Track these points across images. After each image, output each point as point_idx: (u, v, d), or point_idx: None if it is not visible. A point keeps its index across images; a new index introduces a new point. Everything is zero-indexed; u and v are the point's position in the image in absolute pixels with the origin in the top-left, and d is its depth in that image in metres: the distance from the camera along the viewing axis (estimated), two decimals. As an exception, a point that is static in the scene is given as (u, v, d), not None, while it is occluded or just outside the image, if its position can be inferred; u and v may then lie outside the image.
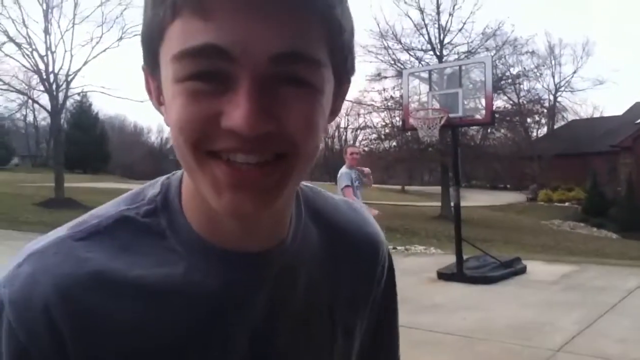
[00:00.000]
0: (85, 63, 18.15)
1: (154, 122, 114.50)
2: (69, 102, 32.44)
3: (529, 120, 35.70)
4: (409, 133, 22.40)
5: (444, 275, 7.56)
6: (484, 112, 7.69)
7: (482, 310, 6.09)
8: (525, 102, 29.15)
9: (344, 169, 6.76)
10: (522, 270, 8.05)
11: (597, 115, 46.40)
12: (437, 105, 7.67)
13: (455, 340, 5.00)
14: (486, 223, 19.23)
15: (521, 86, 27.57)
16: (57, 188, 17.74)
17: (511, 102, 27.67)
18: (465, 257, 7.83)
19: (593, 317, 5.59)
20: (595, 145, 31.35)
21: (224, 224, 0.60)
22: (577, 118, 44.19)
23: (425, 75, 8.19)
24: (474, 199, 28.58)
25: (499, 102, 23.83)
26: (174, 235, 0.61)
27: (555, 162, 32.80)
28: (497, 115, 22.26)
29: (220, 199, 0.53)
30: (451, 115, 7.38)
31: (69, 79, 18.16)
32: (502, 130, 25.99)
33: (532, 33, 44.49)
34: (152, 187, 0.66)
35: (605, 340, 4.90)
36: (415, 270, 8.29)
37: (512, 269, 7.85)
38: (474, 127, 24.48)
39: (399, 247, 10.86)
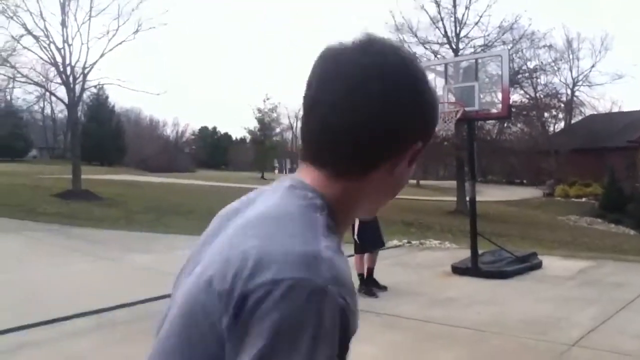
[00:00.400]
0: (102, 56, 18.24)
1: (169, 116, 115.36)
2: (85, 95, 32.78)
3: (546, 114, 35.34)
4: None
5: (458, 270, 7.52)
6: (500, 106, 7.61)
7: (496, 304, 6.06)
8: (542, 96, 28.83)
9: None
10: (538, 266, 7.99)
11: (615, 110, 45.75)
12: (452, 99, 7.61)
13: (469, 334, 4.98)
14: (502, 218, 19.12)
15: (538, 80, 27.21)
16: (75, 180, 17.91)
17: (528, 96, 27.34)
18: (480, 251, 7.79)
19: (609, 313, 5.54)
20: (613, 140, 30.97)
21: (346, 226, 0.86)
22: (595, 113, 43.62)
23: (441, 68, 8.12)
24: (489, 194, 28.39)
25: (516, 97, 23.56)
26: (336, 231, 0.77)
27: (572, 157, 32.48)
28: (513, 110, 22.09)
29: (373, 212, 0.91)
30: (467, 108, 7.33)
31: (85, 72, 18.29)
32: (519, 125, 25.72)
33: (549, 27, 43.74)
34: (315, 209, 0.76)
35: (621, 336, 4.85)
36: (430, 264, 8.27)
37: (527, 264, 7.79)
38: (490, 122, 24.30)
39: (413, 242, 10.83)
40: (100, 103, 49.19)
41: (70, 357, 4.27)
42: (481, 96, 7.72)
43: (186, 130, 76.19)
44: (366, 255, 6.42)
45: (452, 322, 5.29)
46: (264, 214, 0.76)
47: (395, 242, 10.68)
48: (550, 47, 26.19)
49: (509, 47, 22.24)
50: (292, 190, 0.79)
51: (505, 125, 25.71)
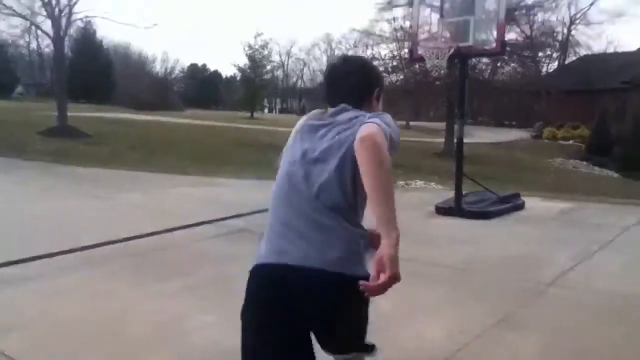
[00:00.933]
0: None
1: (158, 50, 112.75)
2: (72, 29, 31.85)
3: (540, 54, 34.94)
4: (417, 66, 22.04)
5: (441, 210, 7.61)
6: (494, 44, 7.48)
7: (478, 244, 6.17)
8: (538, 34, 28.38)
9: None
10: (521, 206, 8.09)
11: (610, 50, 45.22)
12: (447, 35, 7.46)
13: (450, 272, 5.10)
14: (489, 160, 19.18)
15: (535, 17, 26.71)
16: (60, 116, 17.67)
17: (524, 34, 26.90)
18: (464, 192, 7.86)
19: (588, 253, 5.66)
20: (607, 81, 30.67)
21: None
22: (589, 53, 43.09)
23: (437, 3, 7.90)
24: (479, 136, 28.37)
25: (512, 35, 23.13)
26: None
27: (565, 99, 32.30)
28: (508, 49, 21.80)
29: None
30: (461, 44, 7.19)
31: (71, 4, 17.75)
32: (512, 64, 25.43)
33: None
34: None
35: (597, 275, 4.97)
36: (414, 205, 8.35)
37: (510, 205, 7.89)
38: (484, 61, 24.01)
39: (399, 182, 10.88)
40: (87, 38, 47.91)
41: (55, 292, 4.32)
42: (476, 34, 7.55)
43: (176, 66, 74.83)
44: None
45: (434, 260, 5.39)
46: (356, 115, 1.81)
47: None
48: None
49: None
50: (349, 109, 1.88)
51: (499, 64, 25.42)
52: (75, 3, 17.68)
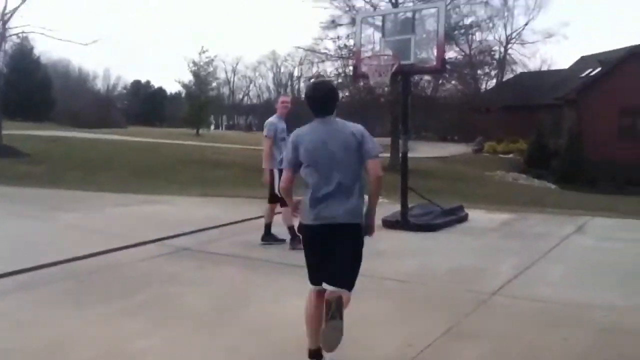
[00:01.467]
0: (24, 1, 17.11)
1: (99, 67, 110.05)
2: (7, 46, 30.61)
3: (479, 72, 36.12)
4: (361, 83, 22.36)
5: (387, 223, 7.67)
6: (435, 62, 7.67)
7: (423, 256, 6.25)
8: (476, 53, 29.37)
9: (271, 119, 6.61)
10: (465, 218, 8.28)
11: (545, 68, 47.22)
12: (389, 53, 7.60)
13: (395, 285, 5.13)
14: (433, 174, 19.59)
15: (473, 37, 27.69)
16: (-6, 134, 16.96)
17: (463, 53, 27.80)
18: (410, 205, 7.97)
19: (529, 263, 5.83)
20: (542, 98, 31.99)
21: None
22: (526, 71, 44.90)
23: (379, 22, 8.07)
24: (422, 151, 28.98)
25: (451, 54, 23.85)
26: None
27: (503, 115, 33.44)
28: (448, 67, 22.39)
29: None
30: (402, 62, 7.34)
31: (5, 19, 17.15)
32: (453, 82, 26.20)
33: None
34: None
35: (538, 284, 5.12)
36: (362, 219, 8.39)
37: (454, 217, 8.06)
38: (426, 78, 24.64)
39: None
40: (24, 54, 46.16)
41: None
42: (417, 52, 7.74)
43: (118, 83, 73.17)
44: (271, 206, 6.67)
45: (379, 274, 5.40)
46: (345, 122, 3.27)
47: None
48: (487, 3, 26.59)
49: (447, 2, 22.39)
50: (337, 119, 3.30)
51: (440, 82, 26.12)
52: (9, 18, 17.11)
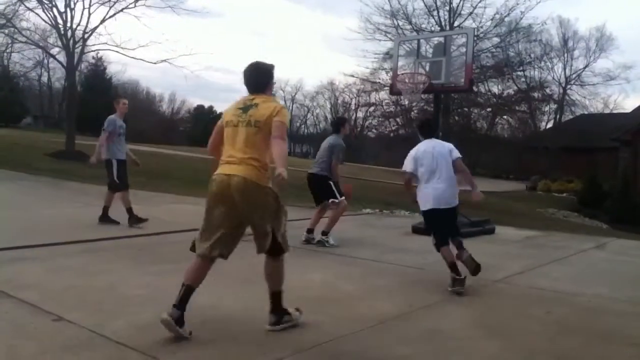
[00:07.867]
0: (103, 21, 18.76)
1: (166, 91, 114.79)
2: (83, 65, 33.02)
3: (537, 112, 36.07)
4: (412, 113, 23.01)
5: (417, 230, 8.18)
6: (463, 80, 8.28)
7: (443, 254, 6.73)
8: (533, 90, 29.49)
9: (112, 116, 7.88)
10: (491, 231, 8.69)
11: (607, 111, 46.38)
12: (422, 73, 8.27)
13: (410, 271, 5.68)
14: (481, 206, 19.67)
15: (526, 73, 27.86)
16: (68, 141, 18.49)
17: (516, 88, 27.99)
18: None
19: (540, 264, 6.25)
20: (601, 140, 31.59)
21: None
22: (586, 113, 44.27)
23: (415, 46, 8.79)
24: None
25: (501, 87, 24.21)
26: None
27: (561, 155, 33.19)
28: (500, 101, 22.65)
29: None
30: (433, 81, 7.98)
31: (85, 37, 18.82)
32: (505, 117, 26.41)
33: (544, 20, 43.62)
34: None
35: (541, 278, 5.55)
36: (395, 226, 8.99)
37: (480, 228, 8.48)
38: (482, 114, 25.05)
39: (385, 211, 11.53)
40: (97, 74, 49.35)
41: (62, 269, 4.94)
42: (452, 77, 8.36)
43: (182, 107, 76.40)
44: (122, 194, 7.60)
45: (400, 262, 5.98)
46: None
47: (368, 210, 11.38)
48: (541, 41, 26.83)
49: (502, 40, 22.93)
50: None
51: (497, 121, 26.44)
52: (89, 36, 18.75)
